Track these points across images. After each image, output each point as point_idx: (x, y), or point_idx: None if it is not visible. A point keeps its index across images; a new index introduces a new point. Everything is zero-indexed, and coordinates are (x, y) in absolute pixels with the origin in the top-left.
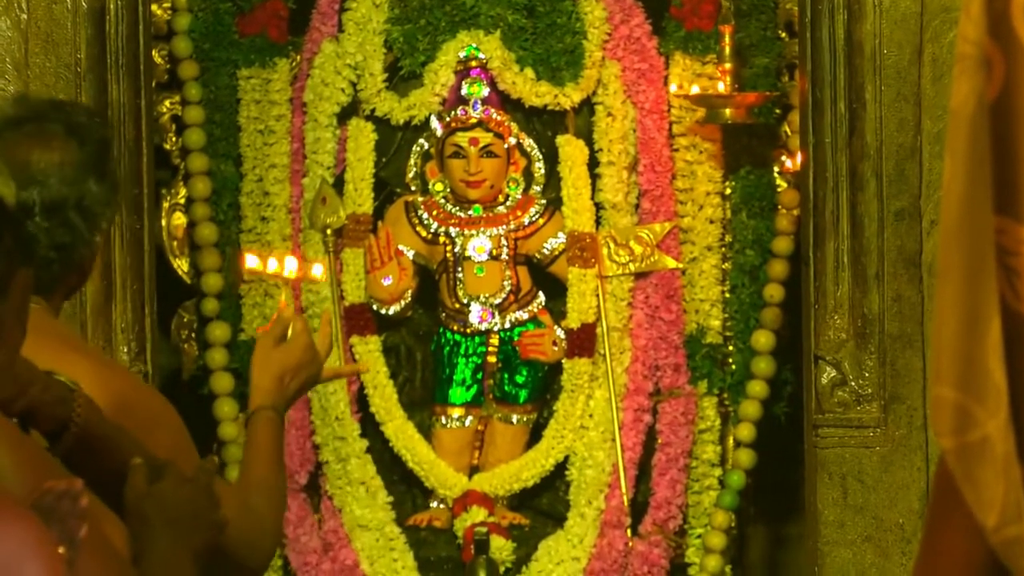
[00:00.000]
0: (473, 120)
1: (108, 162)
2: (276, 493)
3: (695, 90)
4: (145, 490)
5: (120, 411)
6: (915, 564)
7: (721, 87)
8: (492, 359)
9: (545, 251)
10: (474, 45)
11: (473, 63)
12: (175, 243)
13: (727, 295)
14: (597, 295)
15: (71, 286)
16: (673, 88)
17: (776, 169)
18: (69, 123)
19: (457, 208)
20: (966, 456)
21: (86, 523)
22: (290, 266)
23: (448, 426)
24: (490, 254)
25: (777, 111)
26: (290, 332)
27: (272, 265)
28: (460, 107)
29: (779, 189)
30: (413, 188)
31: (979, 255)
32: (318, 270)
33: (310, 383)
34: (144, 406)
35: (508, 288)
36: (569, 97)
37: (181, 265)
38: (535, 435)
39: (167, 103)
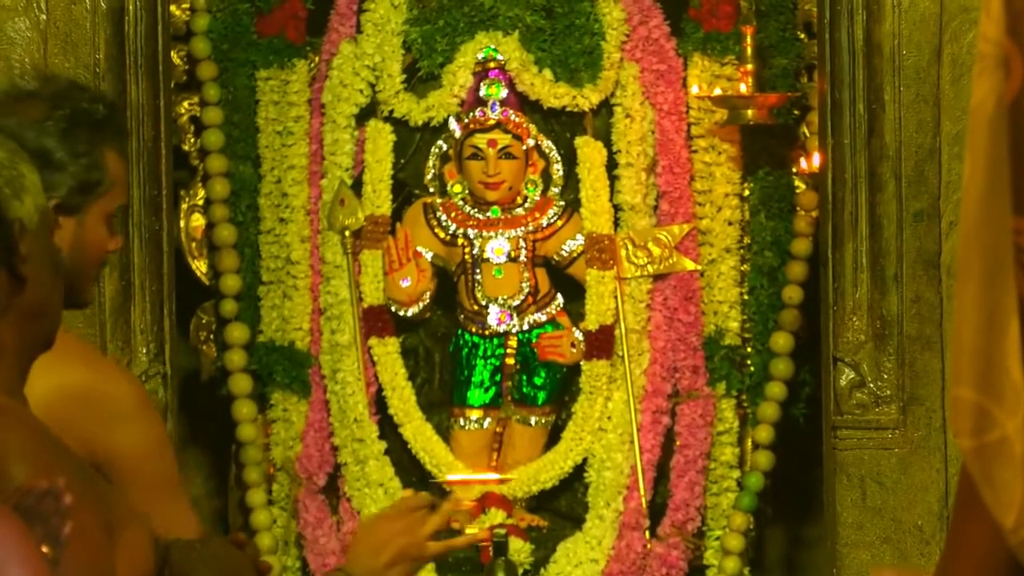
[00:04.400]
0: (491, 121)
1: (81, 128)
2: None
3: (717, 91)
4: (195, 547)
5: (76, 403)
6: (938, 562)
7: (743, 88)
8: (510, 361)
9: (563, 253)
10: (492, 46)
11: (491, 64)
12: (194, 244)
13: (745, 297)
14: (615, 297)
15: None
16: (695, 90)
17: (794, 170)
18: (54, 92)
19: (475, 210)
20: (985, 457)
21: (70, 521)
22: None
23: (466, 428)
24: (508, 256)
25: (796, 112)
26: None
27: None
28: (478, 108)
29: (798, 190)
30: (431, 190)
31: (998, 256)
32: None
33: (406, 567)
34: (113, 400)
35: (526, 290)
36: (587, 98)
37: (200, 266)
38: (553, 437)
39: (186, 104)
